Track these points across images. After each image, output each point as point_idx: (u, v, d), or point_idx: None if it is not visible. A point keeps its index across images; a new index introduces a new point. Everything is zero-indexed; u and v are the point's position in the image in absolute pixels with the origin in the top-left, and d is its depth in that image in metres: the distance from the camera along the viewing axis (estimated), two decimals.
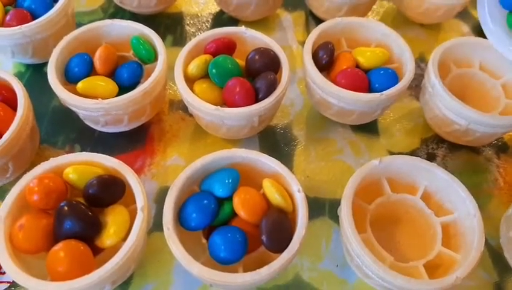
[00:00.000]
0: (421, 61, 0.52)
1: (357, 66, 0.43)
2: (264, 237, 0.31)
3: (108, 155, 0.35)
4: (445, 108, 0.41)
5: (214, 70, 0.40)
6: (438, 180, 0.36)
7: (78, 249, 0.31)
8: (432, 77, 0.41)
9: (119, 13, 0.56)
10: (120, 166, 0.35)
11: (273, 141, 0.46)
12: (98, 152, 0.36)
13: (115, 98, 0.39)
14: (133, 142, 0.45)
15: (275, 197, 0.33)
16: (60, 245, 0.31)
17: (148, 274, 0.37)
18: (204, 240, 0.34)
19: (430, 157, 0.45)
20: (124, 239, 0.32)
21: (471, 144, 0.44)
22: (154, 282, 0.37)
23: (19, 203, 0.33)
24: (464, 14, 0.57)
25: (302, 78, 0.50)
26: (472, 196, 0.35)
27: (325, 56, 0.42)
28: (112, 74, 0.42)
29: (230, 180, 0.34)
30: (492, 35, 0.40)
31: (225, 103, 0.40)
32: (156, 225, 0.39)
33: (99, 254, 0.33)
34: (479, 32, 0.55)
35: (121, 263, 0.30)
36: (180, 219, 0.33)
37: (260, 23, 0.55)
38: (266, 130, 0.45)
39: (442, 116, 0.42)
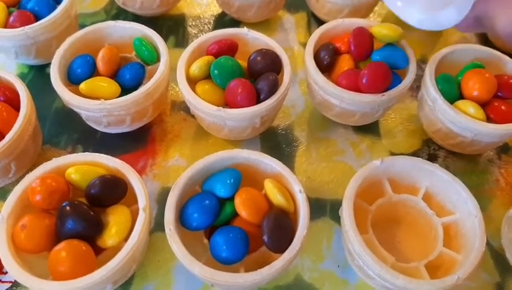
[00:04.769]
0: (422, 63, 0.52)
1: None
2: (265, 237, 0.31)
3: (111, 156, 0.36)
4: (449, 122, 0.40)
5: (216, 72, 0.40)
6: (439, 180, 0.36)
7: (79, 249, 0.31)
8: (432, 92, 0.40)
9: (122, 15, 0.56)
10: (122, 166, 0.35)
11: (275, 142, 0.46)
12: (100, 153, 0.36)
13: (118, 99, 0.39)
14: (135, 142, 0.45)
15: (276, 197, 0.33)
16: (61, 245, 0.31)
17: (149, 274, 0.37)
18: (206, 240, 0.34)
19: (432, 158, 0.45)
20: (126, 239, 0.32)
21: (476, 152, 0.44)
22: (155, 282, 0.37)
23: (21, 203, 0.33)
24: None
25: (303, 79, 0.50)
26: (473, 197, 0.35)
27: (326, 57, 0.42)
28: (114, 75, 0.42)
29: (232, 181, 0.34)
30: None
31: (227, 103, 0.40)
32: (157, 225, 0.39)
33: (100, 254, 0.33)
34: (480, 34, 0.56)
35: (122, 262, 0.31)
36: (182, 219, 0.33)
37: (262, 24, 0.55)
38: (268, 131, 0.45)
39: (446, 130, 0.41)
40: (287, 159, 0.44)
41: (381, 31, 0.42)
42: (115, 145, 0.44)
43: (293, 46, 0.54)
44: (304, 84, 0.49)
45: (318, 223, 0.40)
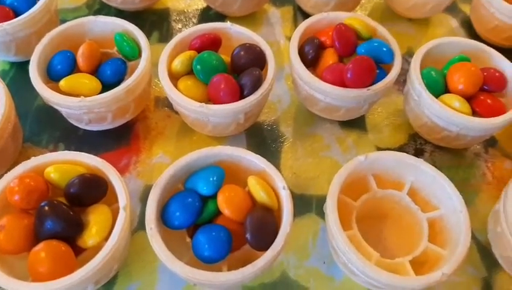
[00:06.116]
0: (409, 56, 0.52)
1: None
2: (248, 235, 0.31)
3: (93, 154, 0.35)
4: (435, 116, 0.40)
5: (198, 67, 0.39)
6: (424, 175, 0.36)
7: (59, 249, 0.30)
8: (417, 85, 0.40)
9: (104, 10, 0.55)
10: (102, 164, 0.34)
11: (261, 137, 0.45)
12: (82, 151, 0.35)
13: (98, 95, 0.38)
14: (118, 140, 0.44)
15: (259, 194, 0.33)
16: (41, 245, 0.30)
17: (132, 273, 0.37)
18: (188, 239, 0.33)
19: (418, 153, 0.44)
20: (107, 239, 0.31)
21: (462, 146, 0.44)
22: (139, 281, 0.36)
23: None
24: (453, 8, 0.57)
25: (290, 74, 0.50)
26: (459, 192, 0.34)
27: (311, 51, 0.42)
28: (95, 71, 0.42)
29: (214, 178, 0.34)
30: None
31: (210, 99, 0.39)
32: (141, 224, 0.39)
33: (81, 254, 0.32)
34: (467, 27, 0.55)
35: (102, 262, 0.30)
36: (164, 218, 0.33)
37: (247, 18, 0.54)
38: (253, 126, 0.45)
39: (431, 124, 0.41)
40: (272, 155, 0.44)
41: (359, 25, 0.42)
42: (98, 142, 0.43)
43: (279, 40, 0.53)
44: (290, 79, 0.49)
45: (303, 219, 0.40)
